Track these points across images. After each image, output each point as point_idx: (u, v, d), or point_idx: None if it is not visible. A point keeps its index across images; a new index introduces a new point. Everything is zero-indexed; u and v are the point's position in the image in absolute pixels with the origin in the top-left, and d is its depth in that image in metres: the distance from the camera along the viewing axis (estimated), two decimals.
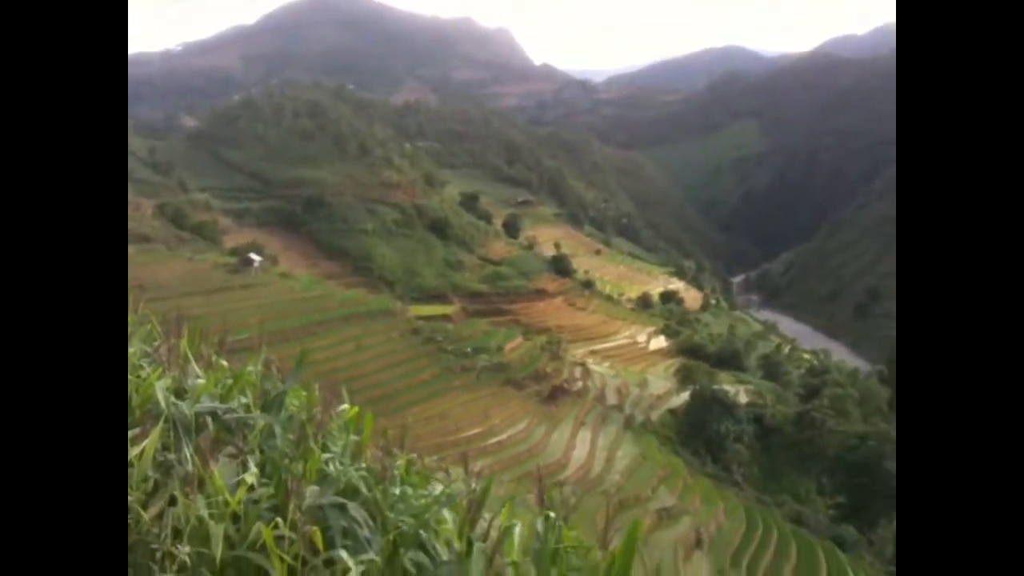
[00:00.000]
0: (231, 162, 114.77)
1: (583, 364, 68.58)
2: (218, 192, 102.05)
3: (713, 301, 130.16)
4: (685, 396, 64.91)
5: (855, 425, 64.35)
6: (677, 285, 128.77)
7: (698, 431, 60.94)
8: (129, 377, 2.78)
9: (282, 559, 2.16)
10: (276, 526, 2.21)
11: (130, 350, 3.06)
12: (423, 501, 2.70)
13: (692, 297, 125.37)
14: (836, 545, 47.84)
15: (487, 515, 2.78)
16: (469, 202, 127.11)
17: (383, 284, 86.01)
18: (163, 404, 2.69)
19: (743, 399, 67.12)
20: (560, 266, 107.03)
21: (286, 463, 2.69)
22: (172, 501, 2.28)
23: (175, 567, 2.07)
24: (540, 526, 2.69)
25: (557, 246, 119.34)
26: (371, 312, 63.25)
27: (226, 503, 2.28)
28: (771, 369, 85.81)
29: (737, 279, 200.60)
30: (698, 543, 43.07)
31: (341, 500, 2.47)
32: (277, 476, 2.57)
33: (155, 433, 2.39)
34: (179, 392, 2.97)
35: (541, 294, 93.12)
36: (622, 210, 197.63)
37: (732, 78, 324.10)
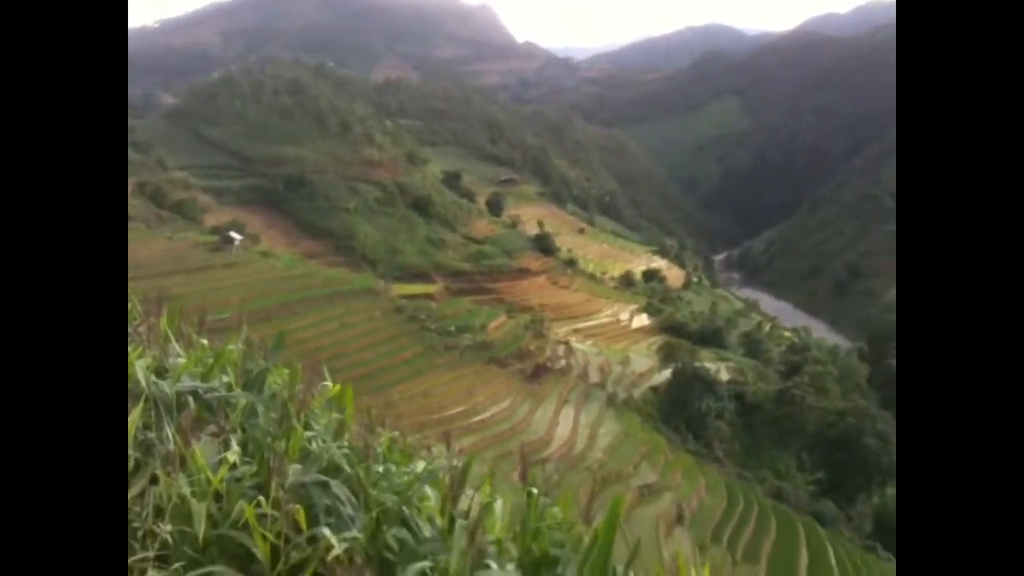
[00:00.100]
0: (210, 140, 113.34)
1: (566, 342, 68.84)
2: (198, 170, 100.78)
3: (695, 279, 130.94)
4: (667, 374, 65.44)
5: (835, 402, 65.19)
6: (659, 263, 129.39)
7: (680, 408, 61.50)
8: None
9: (265, 537, 2.16)
10: (259, 504, 2.21)
11: None
12: (406, 478, 2.71)
13: (674, 275, 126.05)
14: (816, 520, 48.60)
15: (470, 492, 2.80)
16: (452, 180, 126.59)
17: (365, 263, 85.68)
18: (144, 383, 2.68)
19: (724, 376, 67.77)
20: (543, 245, 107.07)
21: (268, 441, 2.68)
22: (154, 480, 2.27)
23: (157, 545, 2.07)
24: (523, 503, 2.71)
25: (540, 225, 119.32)
26: (354, 291, 62.99)
27: (208, 482, 2.27)
28: (752, 346, 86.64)
29: (719, 257, 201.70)
30: (679, 519, 43.62)
31: (324, 478, 2.47)
32: (259, 454, 2.56)
33: (136, 412, 2.37)
34: (159, 371, 2.95)
35: (524, 273, 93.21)
36: (605, 188, 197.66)
37: (714, 56, 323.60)
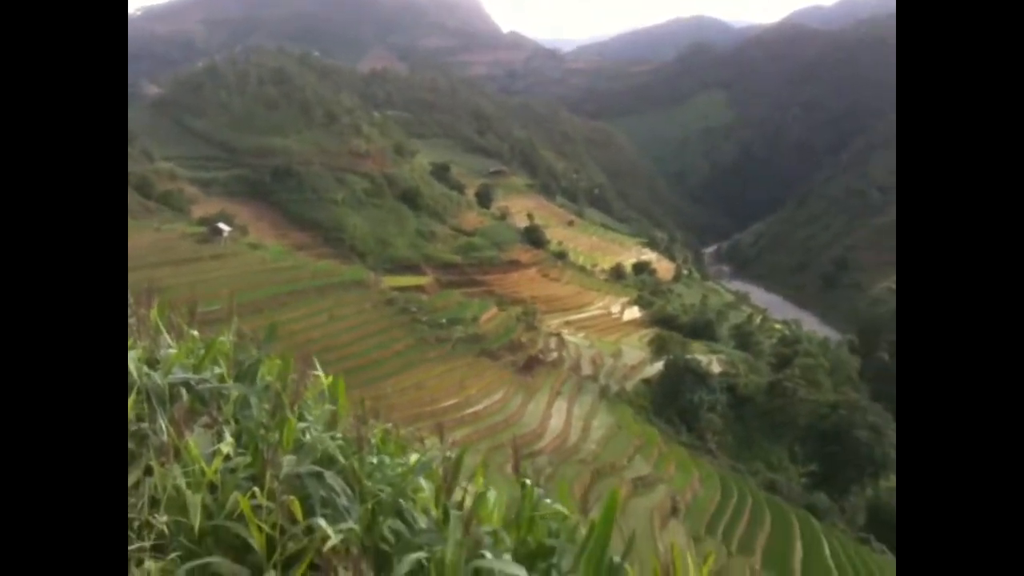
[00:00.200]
0: (196, 130, 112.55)
1: (558, 334, 69.00)
2: (184, 161, 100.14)
3: (685, 272, 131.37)
4: (659, 366, 65.65)
5: (826, 394, 65.59)
6: (649, 256, 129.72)
7: (672, 400, 61.73)
8: None
9: (260, 528, 2.15)
10: (254, 495, 2.20)
11: None
12: (400, 470, 2.71)
13: (664, 268, 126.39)
14: (810, 512, 48.79)
15: (464, 483, 2.80)
16: (440, 172, 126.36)
17: (354, 255, 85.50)
18: (135, 375, 2.66)
19: (716, 369, 68.06)
20: (533, 237, 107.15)
21: (262, 433, 2.67)
22: (148, 471, 2.26)
23: (153, 536, 2.06)
24: (517, 494, 2.71)
25: (530, 217, 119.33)
26: (344, 283, 62.81)
27: (203, 473, 2.27)
28: (743, 339, 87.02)
29: (708, 250, 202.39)
30: (674, 511, 43.77)
31: (319, 469, 2.46)
32: (253, 445, 2.56)
33: (128, 403, 2.36)
34: (151, 363, 2.94)
35: (515, 265, 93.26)
36: (594, 181, 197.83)
37: (700, 49, 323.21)
